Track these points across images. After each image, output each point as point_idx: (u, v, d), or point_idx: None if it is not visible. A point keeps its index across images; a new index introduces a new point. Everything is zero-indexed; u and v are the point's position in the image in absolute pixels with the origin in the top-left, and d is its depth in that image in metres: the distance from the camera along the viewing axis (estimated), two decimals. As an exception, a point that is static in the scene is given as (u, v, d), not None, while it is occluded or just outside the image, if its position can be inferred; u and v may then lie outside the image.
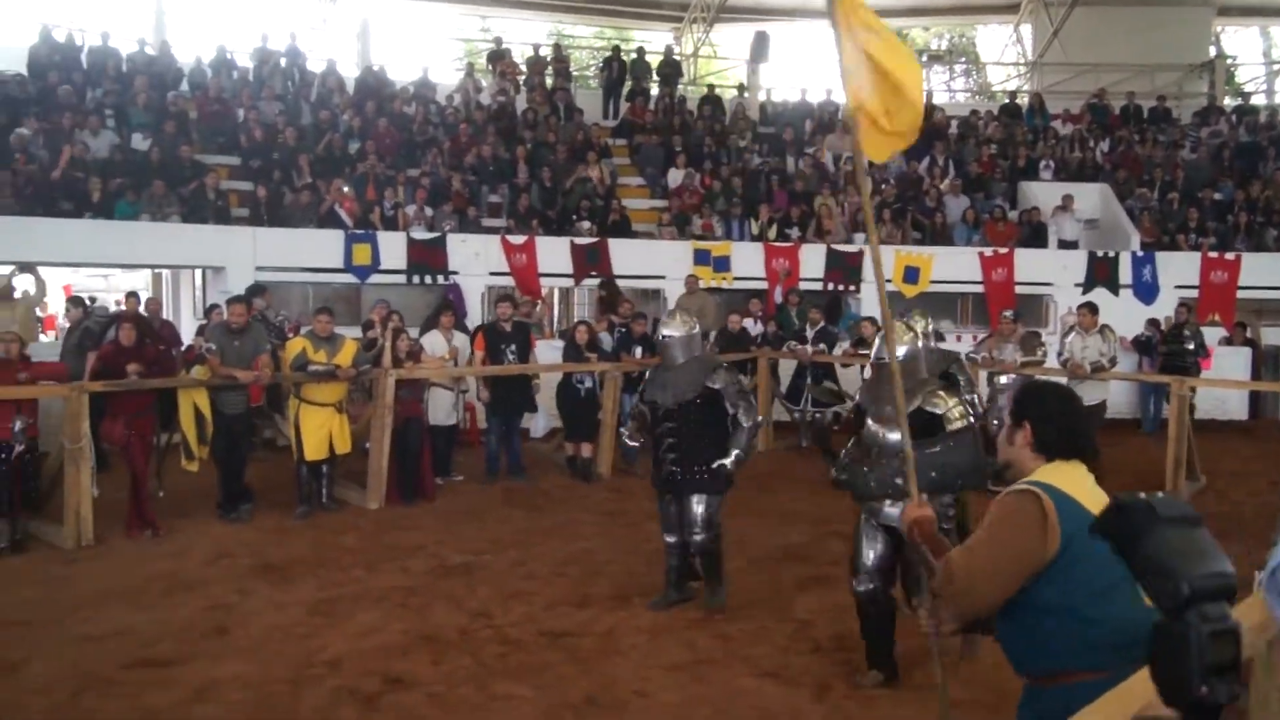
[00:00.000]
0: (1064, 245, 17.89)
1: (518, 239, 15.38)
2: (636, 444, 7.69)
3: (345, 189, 15.25)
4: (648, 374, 7.42)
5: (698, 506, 6.91)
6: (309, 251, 14.42)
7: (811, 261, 16.46)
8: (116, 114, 16.00)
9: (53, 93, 15.71)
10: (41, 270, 12.71)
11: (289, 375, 9.69)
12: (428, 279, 14.91)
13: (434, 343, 11.26)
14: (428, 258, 14.89)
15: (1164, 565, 2.26)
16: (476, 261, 15.13)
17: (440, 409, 11.02)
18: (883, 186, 18.31)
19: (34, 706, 5.40)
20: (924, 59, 35.01)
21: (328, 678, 5.86)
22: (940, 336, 14.66)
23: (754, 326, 14.41)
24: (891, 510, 5.56)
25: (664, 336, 7.13)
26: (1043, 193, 18.96)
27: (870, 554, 5.75)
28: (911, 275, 16.74)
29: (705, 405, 6.92)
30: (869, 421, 5.84)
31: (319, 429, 9.64)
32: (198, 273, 15.70)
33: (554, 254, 15.49)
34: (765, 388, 13.41)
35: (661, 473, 7.03)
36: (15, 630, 6.51)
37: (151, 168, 14.65)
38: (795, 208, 17.42)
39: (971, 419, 5.58)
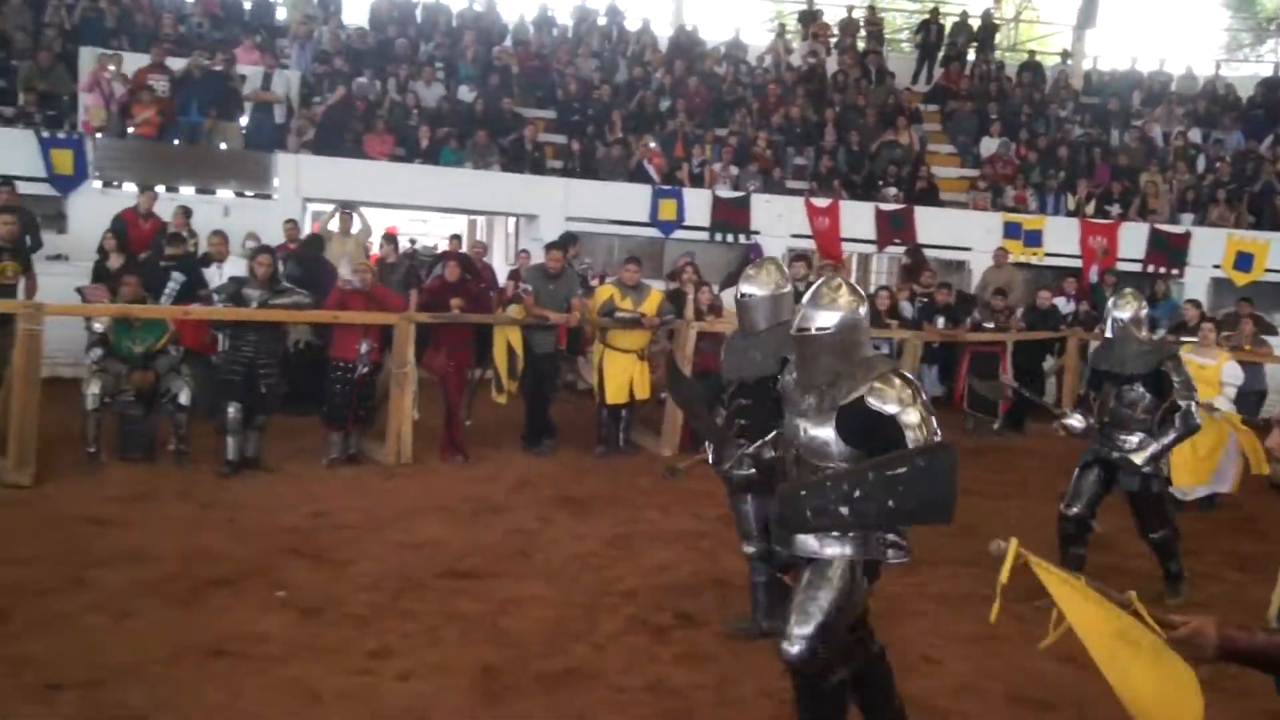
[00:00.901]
0: None
1: (822, 202, 15.28)
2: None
3: (653, 145, 15.58)
4: (726, 342, 6.06)
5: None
6: (617, 204, 14.82)
7: (1131, 241, 15.59)
8: (445, 66, 16.86)
9: (390, 45, 16.76)
10: (365, 211, 13.61)
11: (595, 320, 10.00)
12: (730, 237, 15.05)
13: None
14: (731, 216, 15.03)
15: None
16: (779, 222, 15.15)
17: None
18: (1216, 165, 17.05)
19: (360, 601, 5.85)
20: (1273, 27, 32.15)
21: (622, 607, 6.05)
22: (1272, 329, 13.60)
23: (1065, 305, 13.75)
24: (812, 543, 4.08)
25: (743, 295, 5.55)
26: None
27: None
28: (1244, 262, 15.56)
29: None
30: (788, 414, 4.28)
31: (621, 374, 9.92)
32: (511, 220, 16.46)
33: (858, 219, 15.31)
34: (1073, 369, 12.76)
35: None
36: (347, 533, 7.09)
37: (475, 118, 15.39)
38: (1117, 183, 16.46)
39: (934, 425, 3.93)
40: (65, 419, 8.44)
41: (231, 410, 8.38)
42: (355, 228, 12.96)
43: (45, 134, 12.89)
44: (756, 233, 15.08)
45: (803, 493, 3.73)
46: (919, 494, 3.53)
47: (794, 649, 3.92)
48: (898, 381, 3.96)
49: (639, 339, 10.00)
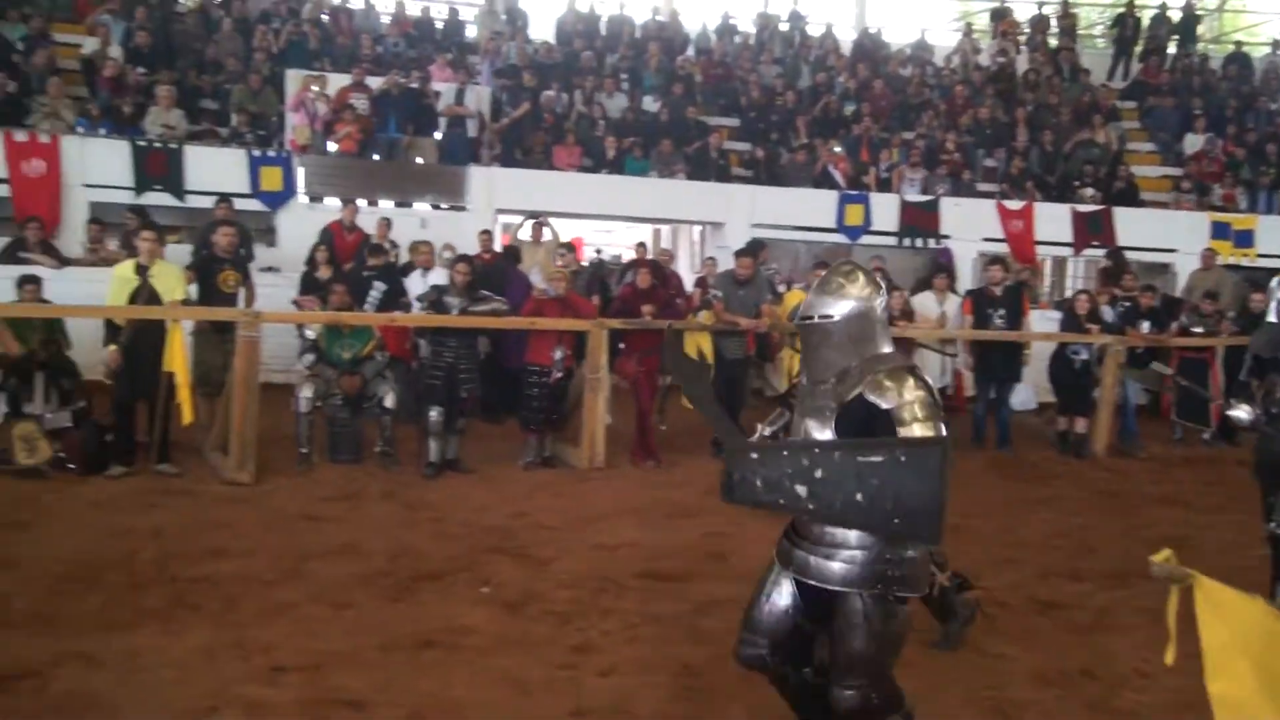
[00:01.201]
0: None
1: (1014, 204, 14.89)
2: None
3: (838, 150, 15.44)
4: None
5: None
6: (803, 210, 14.75)
7: (1354, 240, 14.66)
8: (630, 77, 17.09)
9: (576, 58, 17.08)
10: (553, 221, 13.89)
11: (785, 325, 9.97)
12: (919, 242, 14.80)
13: (925, 304, 11.15)
14: (920, 220, 14.79)
15: None
16: (969, 226, 14.82)
17: (927, 371, 10.87)
18: None
19: (561, 598, 5.97)
20: None
21: (819, 612, 5.99)
22: None
23: (1281, 308, 12.99)
24: (816, 560, 3.60)
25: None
26: None
27: (764, 607, 3.79)
28: None
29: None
30: (797, 415, 3.82)
31: (811, 380, 9.83)
32: (696, 228, 16.55)
33: (1052, 221, 14.88)
34: (1289, 374, 12.08)
35: None
36: (545, 533, 7.25)
37: (660, 128, 15.54)
38: (1337, 178, 15.54)
39: (943, 427, 3.43)
40: (278, 422, 8.92)
41: (433, 414, 8.67)
42: (545, 237, 13.27)
43: (255, 153, 13.61)
44: (946, 236, 14.82)
45: (754, 455, 3.26)
46: (895, 494, 3.00)
47: (845, 694, 3.60)
48: (907, 378, 3.49)
49: (829, 344, 9.89)
